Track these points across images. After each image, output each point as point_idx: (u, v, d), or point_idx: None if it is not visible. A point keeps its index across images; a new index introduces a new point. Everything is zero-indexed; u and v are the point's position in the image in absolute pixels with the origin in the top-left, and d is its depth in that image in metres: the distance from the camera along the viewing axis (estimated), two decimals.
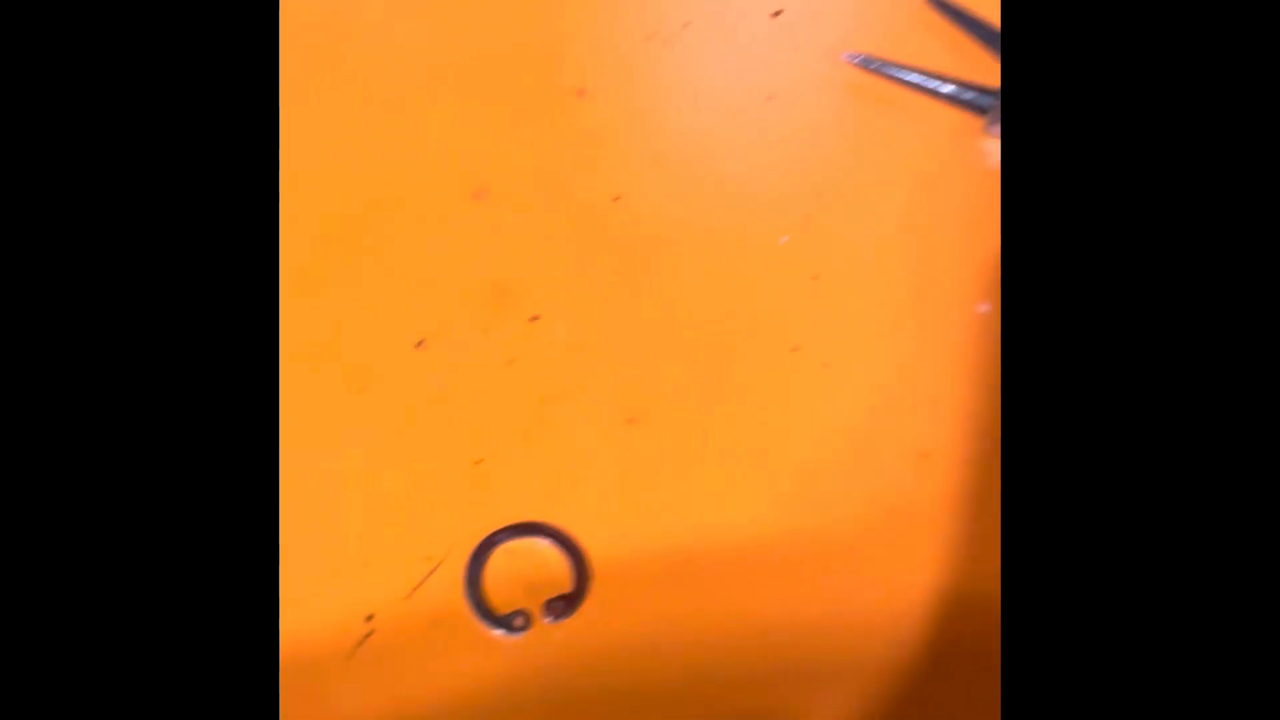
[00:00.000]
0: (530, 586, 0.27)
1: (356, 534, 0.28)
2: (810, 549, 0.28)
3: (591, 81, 0.37)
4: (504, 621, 0.26)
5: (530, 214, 0.34)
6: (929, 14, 0.38)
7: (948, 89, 0.35)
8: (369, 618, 0.26)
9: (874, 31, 0.39)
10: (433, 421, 0.29)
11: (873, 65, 0.36)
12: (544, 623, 0.26)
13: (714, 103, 0.37)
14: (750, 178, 0.35)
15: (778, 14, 0.39)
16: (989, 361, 0.30)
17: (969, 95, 0.35)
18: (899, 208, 0.34)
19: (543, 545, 0.27)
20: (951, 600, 0.27)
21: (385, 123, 0.33)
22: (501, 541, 0.27)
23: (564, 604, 0.26)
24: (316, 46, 0.36)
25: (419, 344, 0.30)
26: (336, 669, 0.26)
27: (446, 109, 0.36)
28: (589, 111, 0.36)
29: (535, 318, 0.31)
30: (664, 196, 0.34)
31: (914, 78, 0.35)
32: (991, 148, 0.35)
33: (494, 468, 0.29)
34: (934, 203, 0.34)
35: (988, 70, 0.37)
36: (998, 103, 0.34)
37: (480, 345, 0.31)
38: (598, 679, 0.26)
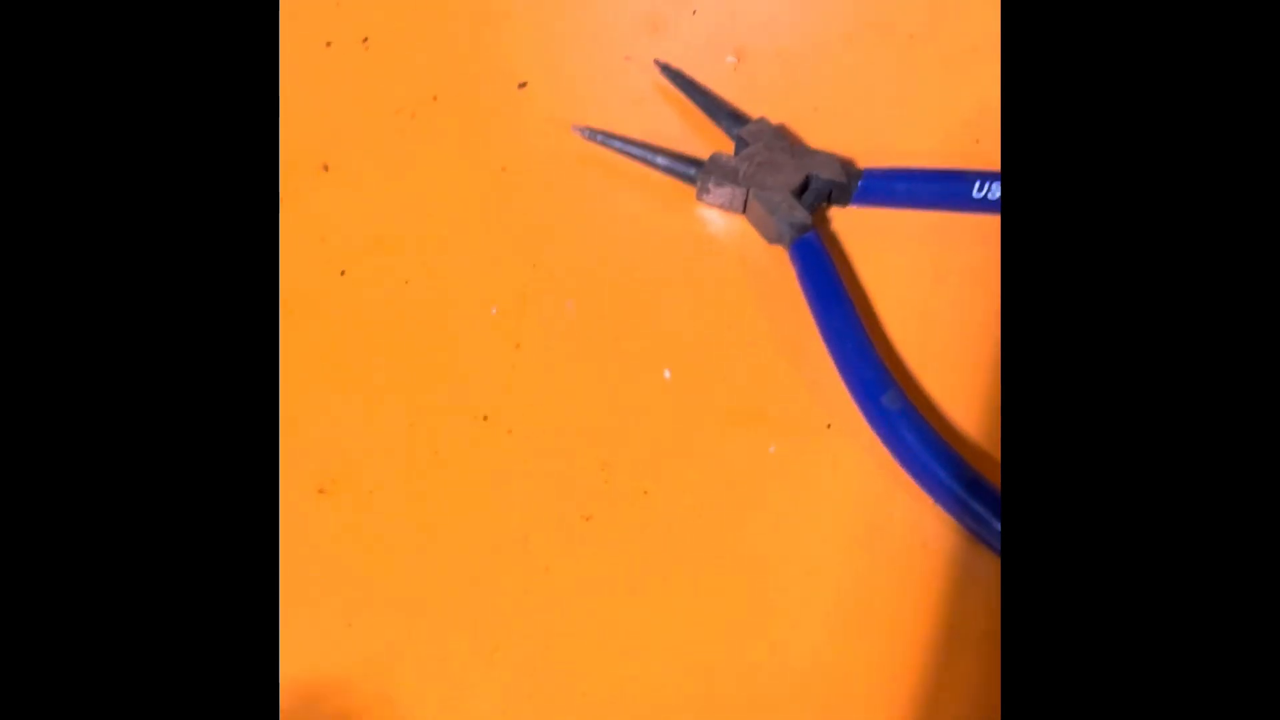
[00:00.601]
0: None
1: None
2: (485, 613, 0.29)
3: (336, 157, 0.39)
4: None
5: None
6: (663, 83, 0.40)
7: (662, 160, 0.37)
8: None
9: (613, 101, 0.41)
10: None
11: (598, 138, 0.38)
12: None
13: (448, 176, 0.38)
14: (472, 250, 0.36)
15: (523, 85, 0.41)
16: (666, 425, 0.32)
17: (680, 167, 0.37)
18: (607, 276, 0.35)
19: None
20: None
21: None
22: None
23: None
24: None
25: None
26: None
27: None
28: (327, 187, 0.38)
29: None
30: (386, 272, 0.36)
31: (633, 150, 0.37)
32: (703, 215, 0.37)
33: None
34: (637, 271, 0.36)
35: (713, 139, 0.39)
36: (699, 174, 0.36)
37: None
38: None
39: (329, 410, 0.33)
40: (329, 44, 0.42)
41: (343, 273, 0.36)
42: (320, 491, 0.31)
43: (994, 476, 0.29)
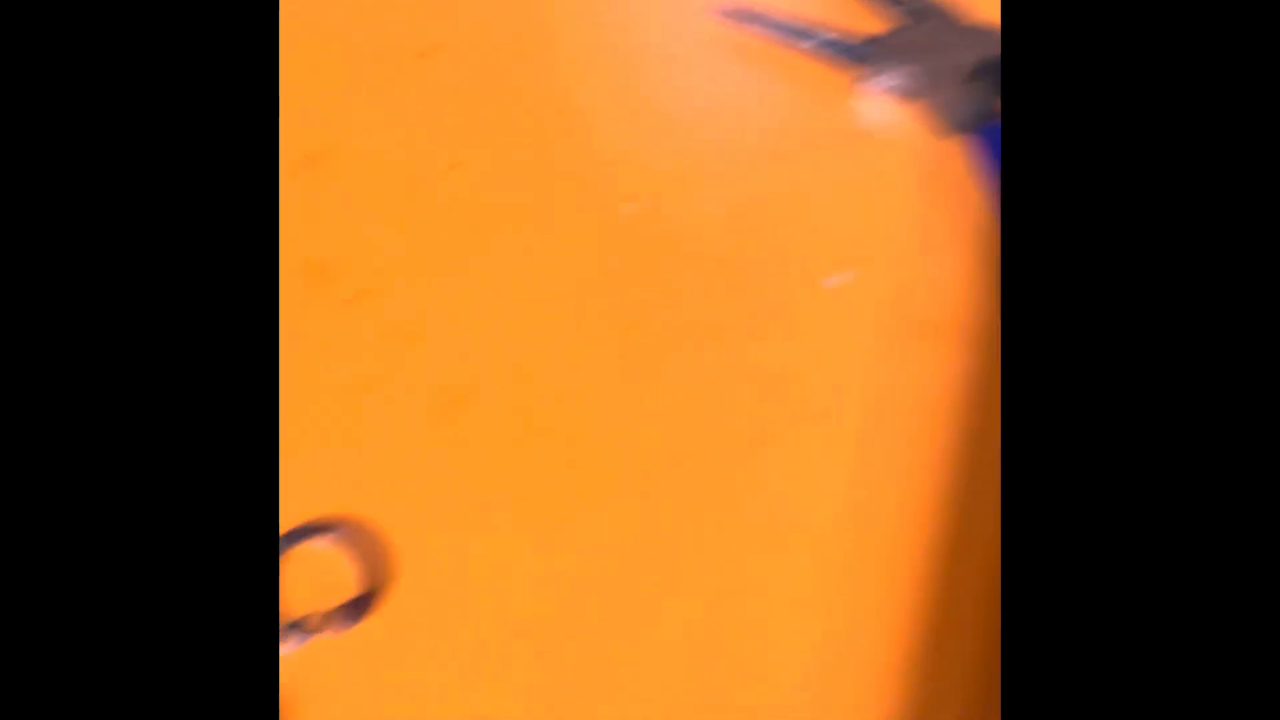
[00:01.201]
0: (325, 591, 0.25)
1: None
2: (619, 541, 0.26)
3: (442, 41, 0.35)
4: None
5: (358, 186, 0.31)
6: None
7: (817, 42, 0.32)
8: None
9: None
10: None
11: (741, 18, 0.33)
12: (328, 632, 0.24)
13: (571, 59, 0.34)
14: (604, 142, 0.32)
15: None
16: (836, 338, 0.28)
17: (836, 51, 0.32)
18: (757, 174, 0.31)
19: (331, 546, 0.25)
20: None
21: None
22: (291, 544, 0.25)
23: (350, 610, 0.24)
24: None
25: None
26: None
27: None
28: (434, 73, 0.34)
29: (353, 298, 0.29)
30: (507, 164, 0.32)
31: (782, 31, 0.33)
32: (860, 106, 0.32)
33: (293, 461, 0.27)
34: (793, 167, 0.31)
35: (861, 19, 0.34)
36: (870, 51, 0.32)
37: (291, 327, 0.28)
38: (405, 677, 0.24)
39: (456, 324, 0.29)
40: None
41: (454, 166, 0.32)
42: (447, 406, 0.27)
43: None
